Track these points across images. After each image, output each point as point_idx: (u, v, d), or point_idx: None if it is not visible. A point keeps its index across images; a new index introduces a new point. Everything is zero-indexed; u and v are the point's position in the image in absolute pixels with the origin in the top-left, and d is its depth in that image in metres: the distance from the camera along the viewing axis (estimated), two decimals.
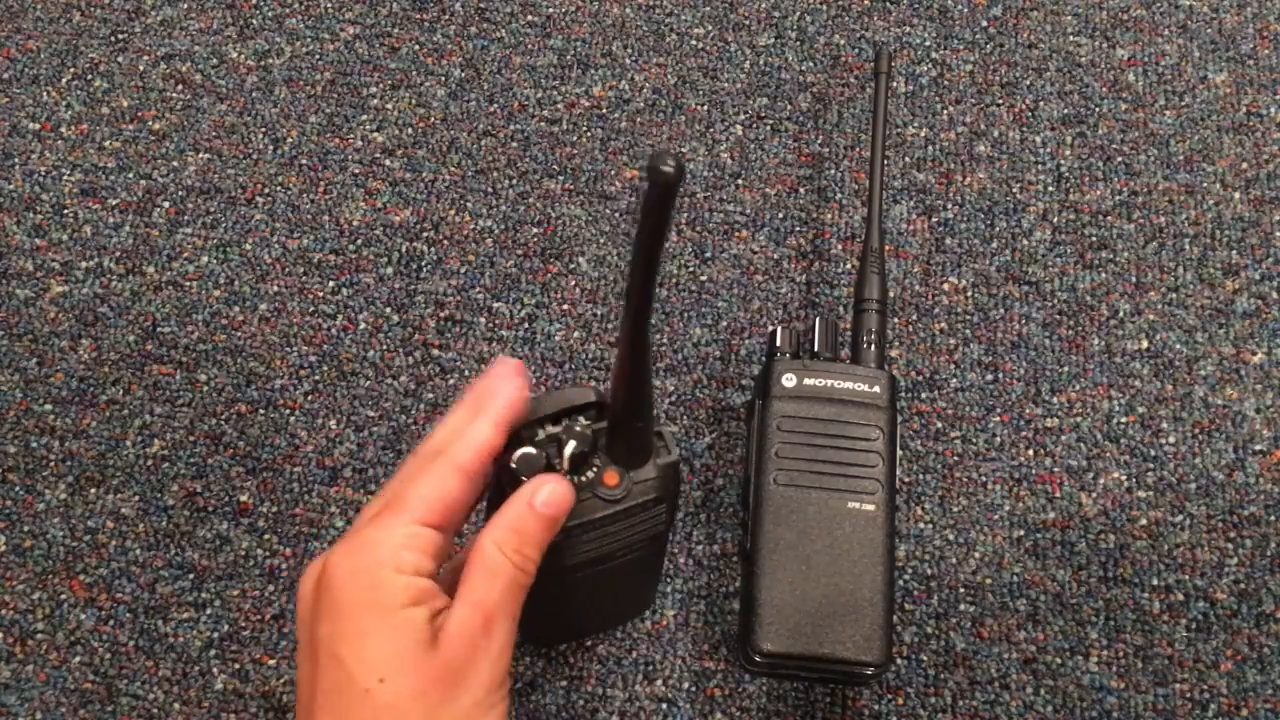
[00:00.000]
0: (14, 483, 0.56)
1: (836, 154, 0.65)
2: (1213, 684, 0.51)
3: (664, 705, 0.51)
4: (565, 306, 0.60)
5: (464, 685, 0.35)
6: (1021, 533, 0.55)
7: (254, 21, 0.70)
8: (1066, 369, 0.58)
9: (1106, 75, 0.67)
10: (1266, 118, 0.65)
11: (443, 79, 0.67)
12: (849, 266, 0.61)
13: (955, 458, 0.56)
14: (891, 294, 0.60)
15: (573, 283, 0.61)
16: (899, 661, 0.52)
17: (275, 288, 0.61)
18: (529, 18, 0.69)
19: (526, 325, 0.60)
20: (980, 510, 0.55)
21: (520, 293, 0.61)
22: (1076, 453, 0.56)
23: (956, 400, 0.58)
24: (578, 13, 0.69)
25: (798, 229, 0.63)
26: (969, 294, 0.60)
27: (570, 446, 0.37)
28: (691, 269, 0.61)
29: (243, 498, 0.56)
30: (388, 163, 0.65)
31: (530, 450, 0.37)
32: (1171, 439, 0.57)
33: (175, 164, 0.65)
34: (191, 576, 0.54)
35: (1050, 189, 0.63)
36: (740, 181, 0.64)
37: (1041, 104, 0.66)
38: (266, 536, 0.55)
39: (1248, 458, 0.56)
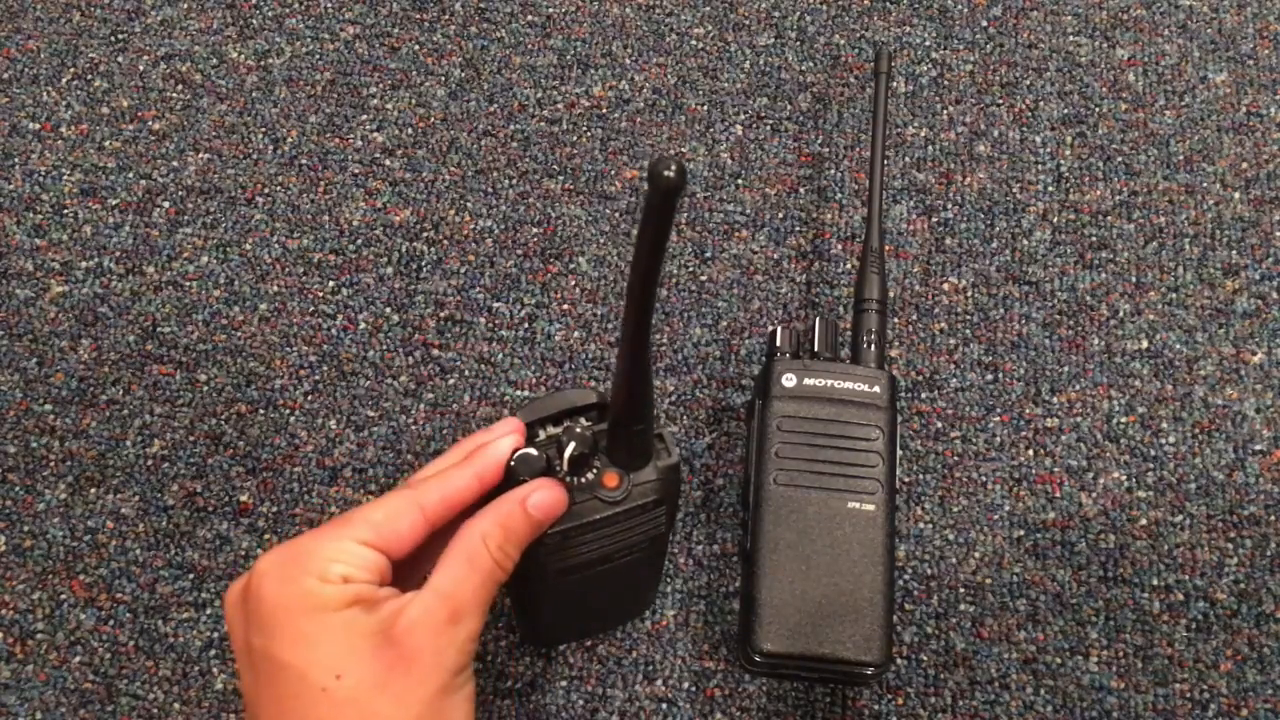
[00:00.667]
0: (14, 483, 0.56)
1: (836, 154, 0.65)
2: (1213, 684, 0.51)
3: (664, 705, 0.51)
4: (565, 306, 0.60)
5: (426, 671, 0.34)
6: (1021, 533, 0.55)
7: (254, 21, 0.70)
8: (1066, 369, 0.58)
9: (1106, 75, 0.67)
10: (1266, 118, 0.65)
11: (443, 79, 0.67)
12: (849, 266, 0.61)
13: (955, 458, 0.56)
14: (891, 294, 0.60)
15: (573, 283, 0.61)
16: (899, 661, 0.52)
17: (275, 288, 0.61)
18: (529, 18, 0.69)
19: (526, 325, 0.60)
20: (980, 510, 0.55)
21: (520, 293, 0.61)
22: (1076, 453, 0.56)
23: (956, 400, 0.58)
24: (578, 13, 0.69)
25: (798, 229, 0.63)
26: (969, 294, 0.60)
27: (570, 448, 0.37)
28: (691, 269, 0.61)
29: (243, 498, 0.56)
30: (388, 163, 0.65)
31: (529, 450, 0.37)
32: (1171, 439, 0.57)
33: (175, 164, 0.65)
34: (191, 576, 0.54)
35: (1050, 189, 0.63)
36: (740, 181, 0.64)
37: (1041, 104, 0.66)
38: (266, 536, 0.55)
39: (1248, 458, 0.56)
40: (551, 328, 0.60)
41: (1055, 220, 0.63)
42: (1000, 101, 0.66)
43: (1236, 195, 0.63)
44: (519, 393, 0.58)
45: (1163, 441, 0.57)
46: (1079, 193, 0.63)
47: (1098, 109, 0.66)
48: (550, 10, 0.70)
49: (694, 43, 0.68)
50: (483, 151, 0.65)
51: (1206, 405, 0.57)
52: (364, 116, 0.66)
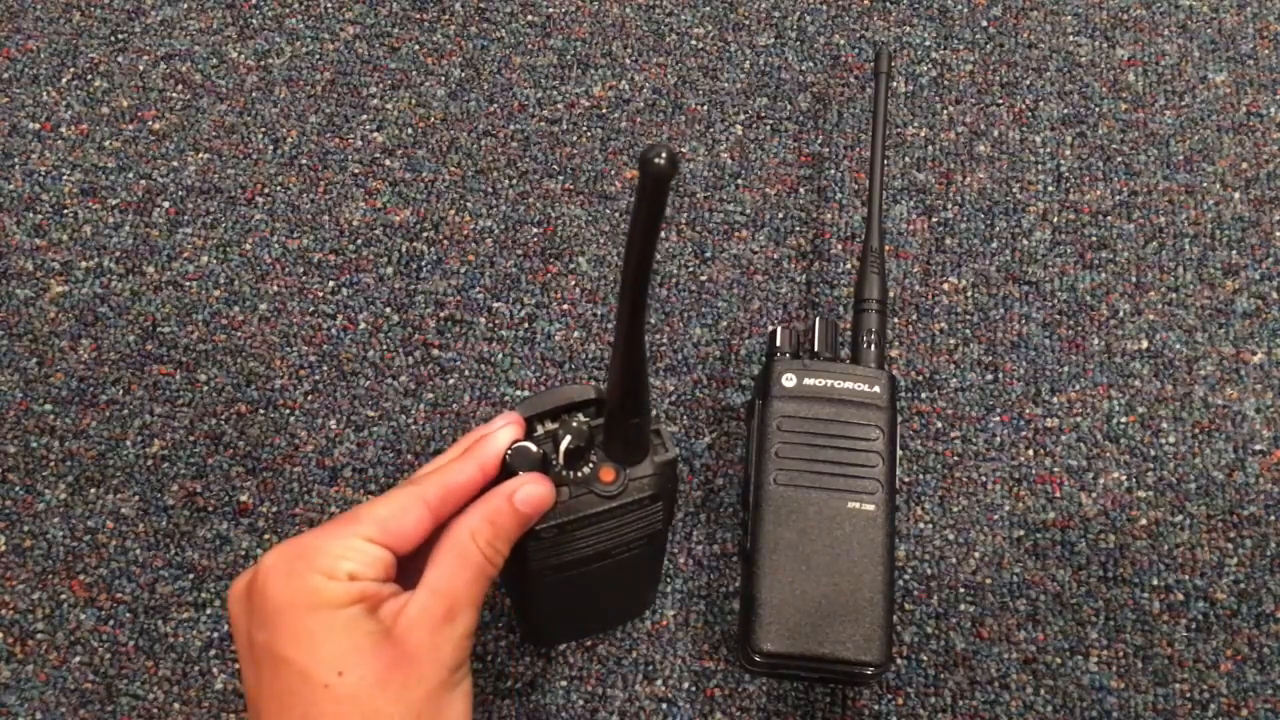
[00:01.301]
0: (14, 483, 0.56)
1: (836, 154, 0.65)
2: (1213, 684, 0.51)
3: (664, 705, 0.51)
4: (565, 306, 0.60)
5: (425, 669, 0.35)
6: (1021, 533, 0.55)
7: (254, 21, 0.70)
8: (1066, 369, 0.58)
9: (1106, 75, 0.67)
10: (1266, 118, 0.65)
11: (443, 79, 0.67)
12: (849, 266, 0.61)
13: (955, 458, 0.56)
14: (891, 294, 0.60)
15: (573, 283, 0.61)
16: (899, 661, 0.52)
17: (275, 288, 0.61)
18: (529, 18, 0.69)
19: (526, 325, 0.60)
20: (980, 510, 0.55)
21: (520, 293, 0.61)
22: (1076, 453, 0.56)
23: (956, 400, 0.58)
24: (578, 13, 0.69)
25: (798, 229, 0.63)
26: (969, 294, 0.60)
27: (566, 441, 0.38)
28: (691, 269, 0.61)
29: (243, 498, 0.56)
30: (388, 163, 0.65)
31: (525, 444, 0.37)
32: (1171, 439, 0.57)
33: (175, 164, 0.65)
34: (191, 576, 0.54)
35: (1050, 189, 0.63)
36: (740, 181, 0.64)
37: (1041, 104, 0.66)
38: (266, 536, 0.55)
39: (1248, 458, 0.56)
40: (551, 328, 0.60)
41: (1055, 220, 0.63)
42: (1000, 101, 0.66)
43: (1236, 195, 0.63)
44: (519, 392, 0.58)
45: (1163, 441, 0.57)
46: (1079, 193, 0.63)
47: (1098, 109, 0.66)
48: (550, 10, 0.70)
49: (694, 43, 0.68)
50: (483, 151, 0.65)
51: (1206, 405, 0.57)
52: (364, 116, 0.66)
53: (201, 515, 0.55)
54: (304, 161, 0.65)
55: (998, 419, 0.57)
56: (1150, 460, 0.56)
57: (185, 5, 0.70)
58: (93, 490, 0.56)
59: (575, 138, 0.65)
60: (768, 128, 0.66)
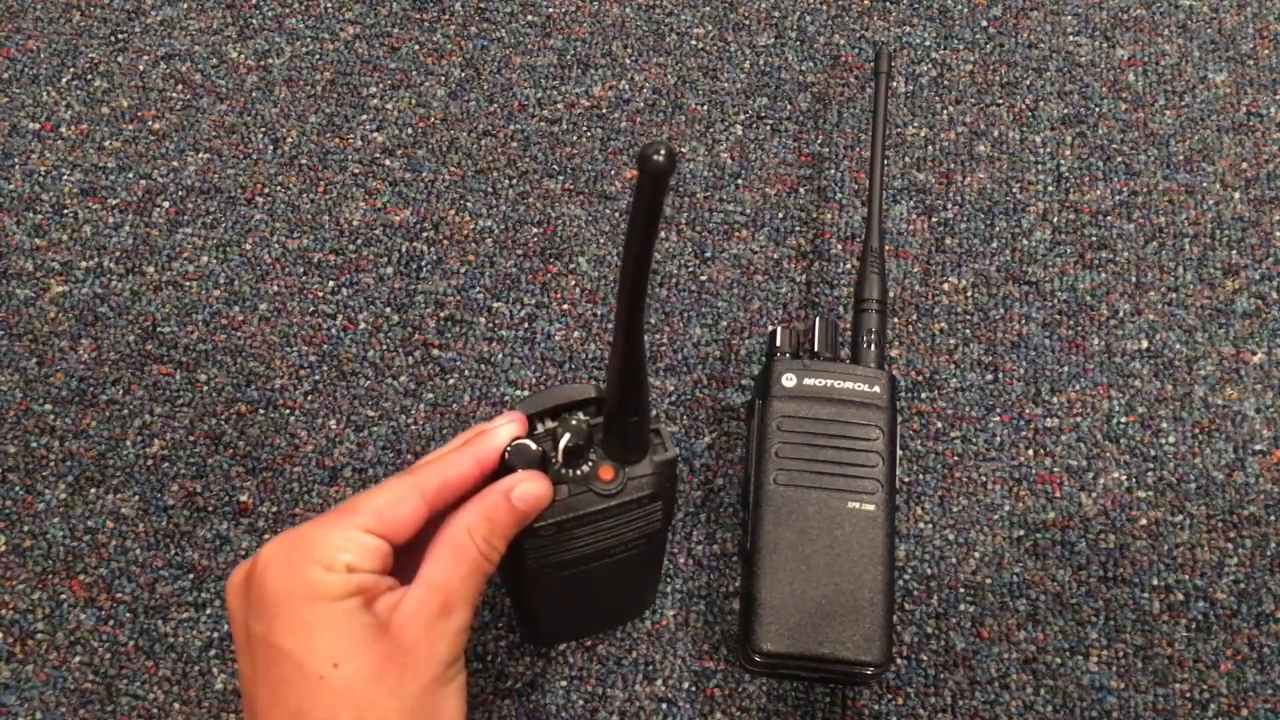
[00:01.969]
0: (14, 483, 0.56)
1: (836, 154, 0.65)
2: (1213, 684, 0.51)
3: (664, 705, 0.51)
4: (565, 306, 0.60)
5: (420, 663, 0.35)
6: (1021, 533, 0.55)
7: (254, 21, 0.70)
8: (1066, 369, 0.58)
9: (1106, 75, 0.67)
10: (1266, 118, 0.65)
11: (443, 79, 0.67)
12: (849, 266, 0.61)
13: (955, 458, 0.56)
14: (891, 294, 0.60)
15: (573, 283, 0.61)
16: (899, 661, 0.52)
17: (275, 288, 0.61)
18: (529, 18, 0.69)
19: (526, 325, 0.60)
20: (980, 510, 0.55)
21: (520, 293, 0.61)
22: (1076, 453, 0.56)
23: (956, 400, 0.58)
24: (578, 13, 0.69)
25: (798, 229, 0.63)
26: (969, 294, 0.60)
27: (565, 439, 0.38)
28: (691, 269, 0.61)
29: (243, 498, 0.56)
30: (388, 163, 0.65)
31: (525, 441, 0.37)
32: (1171, 439, 0.57)
33: (175, 164, 0.65)
34: (191, 576, 0.54)
35: (1050, 189, 0.63)
36: (740, 181, 0.64)
37: (1041, 104, 0.66)
38: (266, 536, 0.55)
39: (1248, 458, 0.56)
40: (551, 328, 0.60)
41: (1055, 220, 0.63)
42: (1000, 101, 0.66)
43: (1236, 195, 0.63)
44: (519, 392, 0.58)
45: (1163, 441, 0.57)
46: (1079, 193, 0.63)
47: (1098, 109, 0.66)
48: (550, 10, 0.70)
49: (694, 43, 0.68)
50: (483, 151, 0.65)
51: (1206, 405, 0.57)
52: (364, 116, 0.66)
53: (201, 515, 0.55)
54: (304, 161, 0.65)
55: (998, 419, 0.57)
56: (1150, 460, 0.56)
57: (185, 5, 0.70)
58: (93, 490, 0.56)
59: (575, 138, 0.65)
60: (768, 128, 0.66)
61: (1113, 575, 0.54)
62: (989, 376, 0.58)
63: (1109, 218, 0.63)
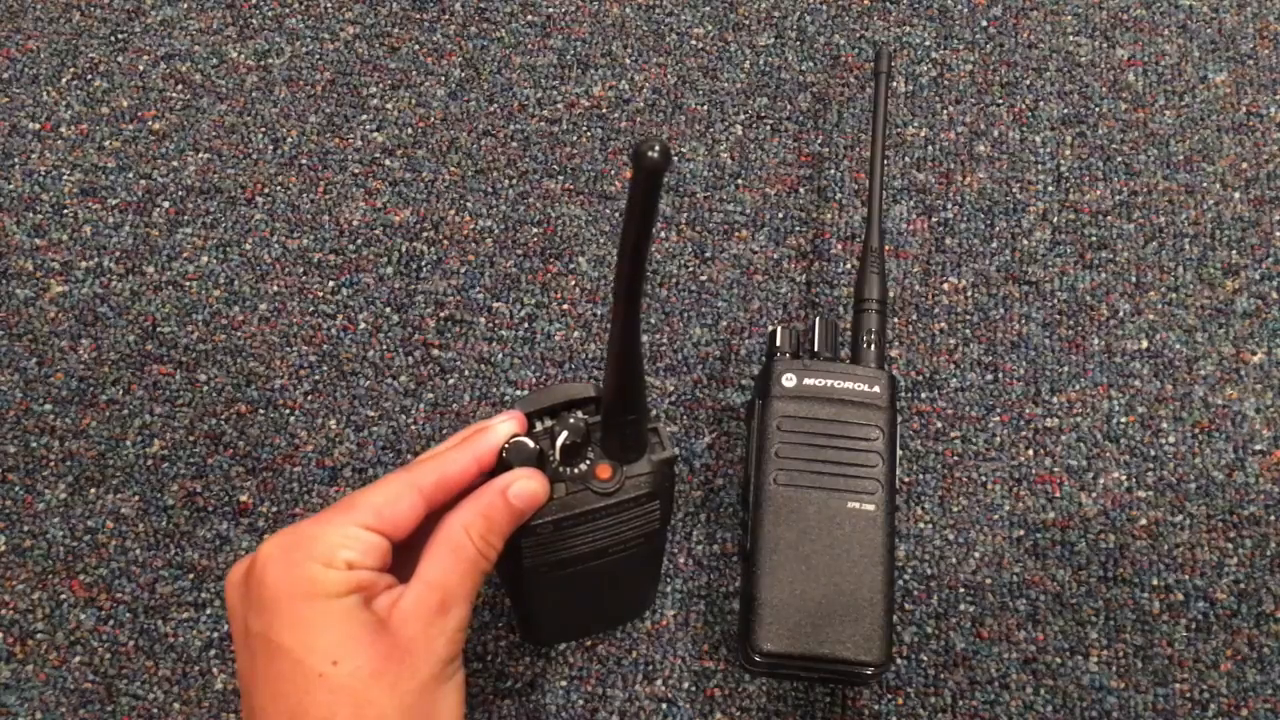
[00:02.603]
0: (14, 483, 0.56)
1: (836, 154, 0.65)
2: (1213, 684, 0.51)
3: (664, 705, 0.51)
4: (565, 306, 0.60)
5: (419, 661, 0.35)
6: (1021, 533, 0.55)
7: (254, 21, 0.70)
8: (1066, 369, 0.58)
9: (1106, 75, 0.67)
10: (1266, 118, 0.65)
11: (443, 79, 0.67)
12: (849, 266, 0.61)
13: (955, 458, 0.56)
14: (891, 294, 0.60)
15: (573, 283, 0.61)
16: (899, 661, 0.52)
17: (275, 288, 0.61)
18: (529, 18, 0.69)
19: (526, 325, 0.60)
20: (980, 510, 0.55)
21: (520, 293, 0.61)
22: (1076, 453, 0.56)
23: (956, 400, 0.58)
24: (578, 13, 0.69)
25: (798, 229, 0.63)
26: (969, 294, 0.60)
27: (562, 437, 0.38)
28: (691, 269, 0.61)
29: (243, 498, 0.56)
30: (388, 163, 0.65)
31: (523, 439, 0.37)
32: (1171, 439, 0.57)
33: (175, 164, 0.65)
34: (191, 576, 0.54)
35: (1050, 189, 0.63)
36: (740, 181, 0.64)
37: (1041, 104, 0.66)
38: (266, 536, 0.55)
39: (1248, 458, 0.56)
40: (551, 327, 0.60)
41: (1055, 220, 0.63)
42: (1000, 101, 0.66)
43: (1236, 195, 0.63)
44: (519, 392, 0.58)
45: (1163, 441, 0.57)
46: (1079, 193, 0.63)
47: (1098, 109, 0.66)
48: (550, 10, 0.70)
49: (694, 43, 0.68)
50: (483, 151, 0.65)
51: (1206, 405, 0.57)
52: (364, 116, 0.66)
53: (201, 515, 0.55)
54: (304, 161, 0.65)
55: (998, 419, 0.57)
56: (1150, 460, 0.56)
57: (185, 5, 0.70)
58: (93, 490, 0.56)
59: (575, 138, 0.65)
60: (768, 128, 0.66)
61: (1113, 575, 0.54)
62: (989, 376, 0.58)
63: (1109, 218, 0.63)
